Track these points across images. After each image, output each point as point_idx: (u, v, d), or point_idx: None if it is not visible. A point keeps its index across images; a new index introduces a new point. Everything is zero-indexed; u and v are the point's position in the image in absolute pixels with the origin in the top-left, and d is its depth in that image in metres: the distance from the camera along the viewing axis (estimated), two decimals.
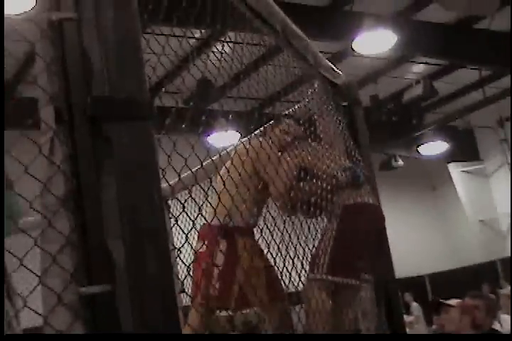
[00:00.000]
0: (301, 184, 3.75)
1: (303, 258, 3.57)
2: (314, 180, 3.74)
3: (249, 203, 3.67)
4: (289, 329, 3.94)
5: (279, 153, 3.87)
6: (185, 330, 3.51)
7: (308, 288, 3.65)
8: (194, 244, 3.66)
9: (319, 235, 3.76)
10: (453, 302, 4.63)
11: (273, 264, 3.60)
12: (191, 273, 3.54)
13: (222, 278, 3.64)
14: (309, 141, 3.94)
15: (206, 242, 3.61)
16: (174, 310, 1.58)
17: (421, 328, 11.28)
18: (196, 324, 3.69)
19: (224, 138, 10.03)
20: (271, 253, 3.33)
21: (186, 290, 3.65)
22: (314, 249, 3.71)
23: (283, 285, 3.64)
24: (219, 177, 3.41)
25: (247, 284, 3.70)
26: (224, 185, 3.16)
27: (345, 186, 3.78)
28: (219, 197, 2.80)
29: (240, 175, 3.35)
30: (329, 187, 3.73)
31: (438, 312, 4.71)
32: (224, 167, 3.48)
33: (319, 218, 3.84)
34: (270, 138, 3.88)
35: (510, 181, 14.39)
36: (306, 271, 3.60)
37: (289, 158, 3.79)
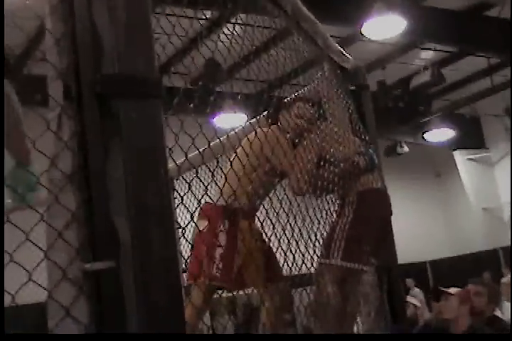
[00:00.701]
0: (320, 171, 3.74)
1: (308, 241, 3.58)
2: (328, 165, 3.74)
3: (256, 186, 3.67)
4: (289, 311, 3.95)
5: (297, 141, 3.85)
6: (187, 309, 3.52)
7: (321, 273, 3.65)
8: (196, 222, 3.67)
9: (332, 219, 3.76)
10: (452, 290, 4.65)
11: (275, 247, 3.61)
12: (191, 250, 3.56)
13: (225, 258, 3.65)
14: (319, 123, 3.93)
15: (209, 221, 3.62)
16: (178, 288, 1.59)
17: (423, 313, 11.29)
18: (199, 303, 3.70)
19: (231, 120, 10.02)
20: (276, 236, 3.34)
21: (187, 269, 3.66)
22: (328, 233, 3.71)
23: (282, 267, 3.66)
24: (229, 159, 3.41)
25: (246, 265, 3.72)
26: (231, 166, 3.17)
27: (363, 171, 3.77)
28: (225, 178, 2.80)
29: (248, 158, 3.35)
30: (344, 172, 3.72)
31: (438, 300, 4.73)
32: (235, 150, 3.48)
33: (328, 202, 3.84)
34: (282, 123, 3.88)
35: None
36: (311, 255, 3.61)
37: (306, 145, 3.77)
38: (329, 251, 3.65)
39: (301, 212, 3.50)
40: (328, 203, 3.85)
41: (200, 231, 3.62)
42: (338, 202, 3.85)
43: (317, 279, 3.66)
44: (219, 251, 3.65)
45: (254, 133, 3.58)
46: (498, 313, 5.49)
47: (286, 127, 3.88)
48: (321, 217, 3.74)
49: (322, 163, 3.75)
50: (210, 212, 3.63)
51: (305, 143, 3.80)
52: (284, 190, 3.69)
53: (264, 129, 3.62)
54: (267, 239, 3.74)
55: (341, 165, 3.73)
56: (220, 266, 3.64)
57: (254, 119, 3.90)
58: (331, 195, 3.83)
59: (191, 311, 3.60)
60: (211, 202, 3.47)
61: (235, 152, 3.41)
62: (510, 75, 12.67)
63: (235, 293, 4.15)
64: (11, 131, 1.88)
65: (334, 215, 3.82)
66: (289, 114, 3.93)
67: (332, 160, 3.76)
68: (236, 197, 3.43)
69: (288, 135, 3.83)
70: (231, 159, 3.34)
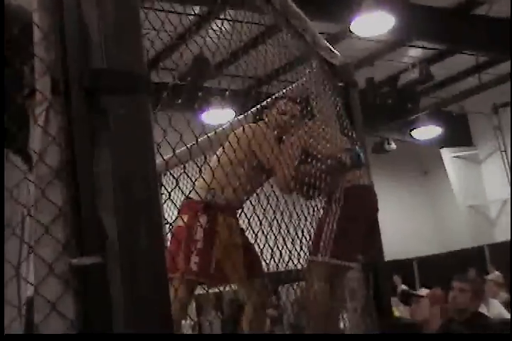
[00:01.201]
0: (303, 166, 3.74)
1: (295, 237, 3.58)
2: (315, 162, 3.74)
3: (243, 182, 3.67)
4: (267, 307, 3.96)
5: (280, 135, 3.86)
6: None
7: (311, 270, 3.65)
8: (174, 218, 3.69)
9: (319, 216, 3.76)
10: (422, 292, 4.69)
11: (261, 243, 3.61)
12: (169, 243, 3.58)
13: (201, 253, 3.65)
14: (306, 120, 3.94)
15: (186, 217, 3.62)
16: (165, 284, 1.59)
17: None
18: (179, 297, 3.69)
19: (218, 116, 10.02)
20: (263, 232, 3.34)
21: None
22: (316, 230, 3.71)
23: (261, 263, 3.66)
24: (214, 155, 3.41)
25: (225, 261, 3.71)
26: (218, 160, 3.17)
27: (348, 168, 3.77)
28: (212, 172, 2.81)
29: (235, 154, 3.36)
30: (329, 169, 3.72)
31: (408, 303, 4.77)
32: (220, 147, 3.48)
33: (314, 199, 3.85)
34: (268, 119, 3.89)
35: (503, 168, 14.43)
36: (297, 251, 3.61)
37: (291, 140, 3.78)
38: (318, 249, 3.65)
39: (287, 209, 3.51)
40: (314, 200, 3.85)
41: (180, 226, 3.63)
42: (324, 198, 3.85)
43: (306, 276, 3.67)
44: (196, 245, 3.65)
45: (241, 128, 3.59)
46: (483, 310, 5.52)
47: (272, 123, 3.89)
48: (308, 213, 3.75)
49: (308, 160, 3.76)
50: (187, 208, 3.63)
51: (290, 139, 3.81)
52: (272, 187, 3.69)
53: (252, 125, 3.63)
54: (249, 235, 3.74)
55: (328, 161, 3.73)
56: (197, 260, 3.64)
57: (242, 116, 3.91)
58: (318, 193, 3.82)
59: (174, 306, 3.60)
60: (193, 197, 3.48)
61: (222, 147, 3.40)
62: (510, 71, 12.67)
63: (221, 289, 4.15)
64: None
65: (321, 212, 3.82)
66: (275, 111, 3.95)
67: (318, 156, 3.76)
68: (222, 191, 3.44)
69: (274, 131, 3.84)
70: (218, 154, 3.34)
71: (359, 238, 3.74)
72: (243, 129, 3.56)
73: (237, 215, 3.82)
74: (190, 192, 2.36)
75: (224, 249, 3.68)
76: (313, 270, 3.64)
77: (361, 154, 3.84)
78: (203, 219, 3.68)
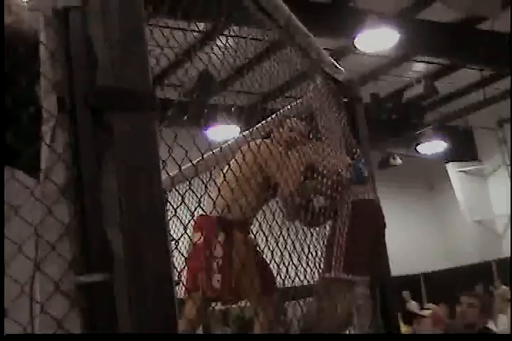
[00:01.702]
0: (307, 182, 3.74)
1: (300, 254, 3.57)
2: (320, 178, 3.74)
3: (250, 199, 3.66)
4: (282, 324, 3.94)
5: (285, 151, 3.86)
6: (181, 323, 3.51)
7: (324, 287, 3.64)
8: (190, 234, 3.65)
9: (328, 232, 3.75)
10: (425, 312, 4.68)
11: (268, 259, 3.60)
12: (186, 263, 3.53)
13: (223, 270, 3.62)
14: (311, 137, 3.94)
15: (202, 233, 3.60)
16: (172, 301, 1.58)
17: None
18: (191, 316, 3.68)
19: (223, 132, 10.03)
20: (269, 248, 3.34)
21: (181, 282, 3.64)
22: (326, 247, 3.70)
23: (276, 280, 3.65)
24: (222, 171, 3.40)
25: (240, 277, 3.69)
26: (224, 177, 3.17)
27: (347, 184, 3.77)
28: (219, 189, 2.80)
29: (242, 170, 3.35)
30: (335, 185, 3.72)
31: (410, 323, 4.75)
32: (228, 163, 3.47)
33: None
34: (275, 136, 3.89)
35: (509, 182, 14.41)
36: (303, 267, 3.60)
37: (296, 156, 3.78)
38: (330, 265, 3.64)
39: (294, 225, 3.50)
40: (318, 226, 3.84)
41: (194, 243, 3.60)
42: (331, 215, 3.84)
43: (321, 293, 3.65)
44: (216, 263, 3.62)
45: (247, 145, 3.59)
46: (491, 325, 5.49)
47: (278, 139, 3.90)
48: (314, 229, 3.74)
49: (314, 175, 3.75)
50: (203, 224, 3.61)
51: (296, 155, 3.81)
52: (277, 203, 3.69)
53: (258, 141, 3.63)
54: (261, 251, 3.73)
55: (333, 177, 3.73)
56: (219, 278, 3.61)
57: (247, 132, 3.91)
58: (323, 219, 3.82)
59: (186, 325, 3.58)
60: (204, 214, 3.46)
61: (228, 164, 3.40)
62: (510, 86, 12.69)
63: (228, 306, 4.14)
64: None
65: (327, 228, 3.82)
66: (281, 128, 3.95)
67: (323, 172, 3.76)
68: (230, 208, 3.42)
69: (280, 147, 3.84)
70: (224, 171, 3.33)
71: (366, 252, 3.74)
72: (248, 146, 3.56)
73: (250, 231, 3.81)
74: (196, 208, 2.36)
75: (241, 265, 3.66)
76: (327, 287, 3.63)
77: (363, 169, 3.83)
78: (221, 237, 3.66)
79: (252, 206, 3.73)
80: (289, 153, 3.86)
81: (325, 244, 3.72)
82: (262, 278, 3.76)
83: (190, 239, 3.59)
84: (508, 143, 15.02)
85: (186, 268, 3.59)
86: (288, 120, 3.97)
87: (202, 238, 3.60)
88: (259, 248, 3.69)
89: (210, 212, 3.37)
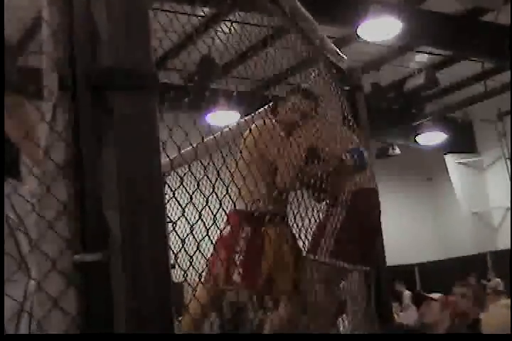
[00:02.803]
0: (309, 167, 3.72)
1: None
2: (321, 163, 3.71)
3: (270, 188, 3.63)
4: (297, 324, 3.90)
5: (288, 134, 3.81)
6: (192, 304, 3.53)
7: (309, 268, 3.63)
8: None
9: (321, 215, 3.73)
10: (434, 295, 4.70)
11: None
12: (211, 252, 3.52)
13: (246, 265, 3.59)
14: (316, 119, 3.89)
15: (231, 227, 3.59)
16: (167, 282, 1.58)
17: (409, 316, 11.33)
18: (203, 301, 3.65)
19: (224, 118, 10.01)
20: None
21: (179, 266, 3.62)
22: (317, 230, 3.68)
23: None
24: (235, 160, 3.34)
25: (275, 273, 3.65)
26: (248, 167, 3.14)
27: (352, 169, 3.74)
28: (244, 181, 2.78)
29: (247, 158, 3.31)
30: (335, 170, 3.70)
31: (419, 304, 4.77)
32: (239, 150, 3.41)
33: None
34: (277, 119, 3.82)
35: (507, 175, 14.42)
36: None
37: (297, 139, 3.73)
38: (317, 248, 3.63)
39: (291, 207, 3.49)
40: (323, 202, 3.83)
41: (220, 236, 3.60)
42: (329, 199, 3.83)
43: (303, 275, 3.65)
44: (240, 257, 3.60)
45: (248, 129, 3.53)
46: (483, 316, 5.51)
47: (281, 119, 3.83)
48: (306, 214, 3.71)
49: (315, 160, 3.73)
50: (232, 218, 3.59)
51: (296, 136, 3.77)
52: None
53: (258, 123, 3.54)
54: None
55: (332, 162, 3.71)
56: (241, 271, 3.58)
57: (250, 116, 3.87)
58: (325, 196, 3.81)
59: (196, 308, 3.59)
60: (237, 208, 3.44)
61: (241, 153, 3.33)
62: (510, 79, 12.67)
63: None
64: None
65: (321, 214, 3.80)
66: (285, 107, 3.88)
67: (324, 157, 3.74)
68: (256, 200, 3.39)
69: (282, 132, 3.79)
70: (237, 161, 3.24)
71: (361, 241, 3.73)
72: (250, 130, 3.50)
73: (287, 223, 3.76)
74: (194, 192, 2.35)
75: (274, 260, 3.63)
76: (312, 269, 3.63)
77: (365, 156, 3.79)
78: (246, 231, 3.63)
79: (278, 196, 3.68)
80: (289, 137, 3.81)
81: (317, 225, 3.68)
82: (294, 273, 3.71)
83: (224, 231, 3.61)
84: (508, 136, 15.01)
85: (211, 258, 3.58)
86: (292, 99, 3.89)
87: (228, 231, 3.60)
88: (296, 240, 3.67)
89: (246, 206, 3.34)
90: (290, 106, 3.86)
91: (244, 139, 3.41)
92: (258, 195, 3.40)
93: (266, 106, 3.94)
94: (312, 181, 3.67)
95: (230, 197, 3.10)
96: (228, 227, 3.61)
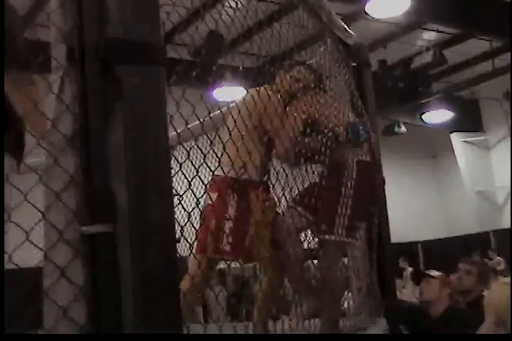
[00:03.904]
0: (307, 139, 3.68)
1: None
2: (320, 135, 3.68)
3: (262, 156, 3.62)
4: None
5: (288, 102, 3.77)
6: (185, 279, 3.50)
7: (327, 248, 3.61)
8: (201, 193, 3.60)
9: (331, 190, 3.67)
10: (434, 273, 4.71)
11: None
12: (200, 222, 3.48)
13: (235, 232, 3.58)
14: (318, 91, 3.85)
15: (219, 194, 3.56)
16: (173, 254, 1.59)
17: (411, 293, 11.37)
18: (196, 274, 3.64)
19: (230, 94, 10.00)
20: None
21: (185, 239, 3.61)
22: (328, 207, 3.62)
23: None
24: (230, 128, 3.31)
25: (256, 238, 3.64)
26: (241, 135, 3.10)
27: (343, 143, 3.70)
28: (237, 149, 2.76)
29: (245, 125, 3.28)
30: (333, 143, 3.66)
31: (419, 282, 4.78)
32: (233, 117, 3.36)
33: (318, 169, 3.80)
34: (278, 85, 3.76)
35: (510, 154, 14.40)
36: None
37: (296, 111, 3.69)
38: (333, 227, 3.58)
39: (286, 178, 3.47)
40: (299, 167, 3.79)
41: (208, 204, 3.57)
42: (320, 170, 3.79)
43: (322, 255, 3.62)
44: (228, 224, 3.58)
45: (248, 95, 3.48)
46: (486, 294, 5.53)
47: (279, 87, 3.78)
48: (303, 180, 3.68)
49: (309, 131, 3.69)
50: (220, 184, 3.55)
51: (295, 106, 3.73)
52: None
53: (260, 91, 3.49)
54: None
55: (332, 134, 3.67)
56: (230, 240, 3.57)
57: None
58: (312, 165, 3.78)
59: (189, 282, 3.58)
60: (222, 173, 3.40)
61: (234, 120, 3.29)
62: (510, 60, 12.63)
63: (225, 265, 4.12)
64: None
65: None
66: (287, 76, 3.83)
67: (320, 127, 3.70)
68: (245, 168, 3.35)
69: (281, 97, 3.72)
70: (229, 126, 3.22)
71: (365, 215, 3.73)
72: (251, 95, 3.45)
73: (269, 189, 3.74)
74: (200, 165, 2.35)
75: (256, 226, 3.61)
76: (331, 249, 3.60)
77: (361, 132, 3.74)
78: (233, 198, 3.60)
79: (266, 163, 3.68)
80: (288, 106, 3.77)
81: (325, 202, 3.64)
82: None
83: (210, 198, 3.55)
84: None
85: (201, 227, 3.55)
86: (297, 68, 3.85)
87: (216, 199, 3.56)
88: (279, 206, 3.65)
89: (230, 173, 3.30)
90: (291, 76, 3.82)
91: (239, 108, 3.36)
92: (248, 163, 3.37)
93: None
94: (309, 153, 3.64)
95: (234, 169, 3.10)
96: (215, 195, 3.56)
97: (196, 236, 3.11)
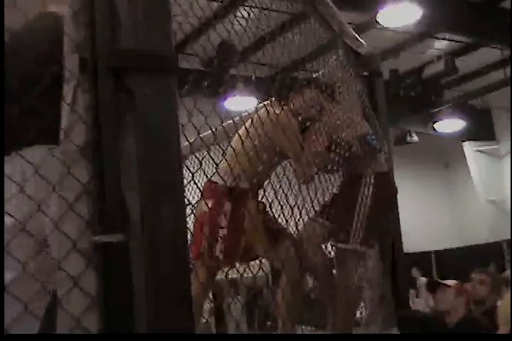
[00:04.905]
0: (331, 155, 3.71)
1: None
2: (339, 148, 3.70)
3: (265, 166, 3.64)
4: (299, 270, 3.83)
5: (306, 126, 3.80)
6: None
7: (344, 258, 3.62)
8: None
9: (349, 201, 3.69)
10: (449, 282, 4.69)
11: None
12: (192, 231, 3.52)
13: (227, 240, 3.61)
14: (331, 107, 3.87)
15: (210, 202, 3.58)
16: (185, 263, 1.60)
17: (425, 303, 11.32)
18: (197, 284, 3.67)
19: (242, 104, 10.00)
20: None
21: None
22: (345, 216, 3.64)
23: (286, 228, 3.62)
24: (235, 138, 3.34)
25: (250, 241, 3.66)
26: (243, 145, 3.13)
27: (372, 153, 3.73)
28: (236, 157, 2.78)
29: (259, 139, 3.32)
30: (350, 154, 3.69)
31: (434, 291, 4.77)
32: (242, 129, 3.39)
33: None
34: (294, 106, 3.80)
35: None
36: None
37: (316, 133, 3.72)
38: (349, 236, 3.61)
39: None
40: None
41: (205, 211, 3.58)
42: (345, 181, 3.82)
43: (338, 264, 3.64)
44: (222, 232, 3.62)
45: (266, 113, 3.51)
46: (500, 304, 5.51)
47: (297, 110, 3.82)
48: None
49: (333, 147, 3.72)
50: (214, 192, 3.58)
51: (316, 127, 3.76)
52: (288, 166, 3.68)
53: (276, 110, 3.54)
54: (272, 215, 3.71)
55: (350, 147, 3.70)
56: (223, 247, 3.61)
57: (267, 101, 3.86)
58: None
59: (195, 289, 3.59)
60: (212, 180, 3.44)
61: (246, 129, 3.31)
62: (511, 73, 12.60)
63: (238, 276, 4.11)
64: None
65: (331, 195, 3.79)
66: (301, 98, 3.86)
67: (341, 143, 3.73)
68: (242, 176, 3.39)
69: (299, 118, 3.78)
70: (239, 137, 3.25)
71: (379, 225, 3.73)
72: (267, 114, 3.49)
73: (259, 196, 3.76)
74: (213, 174, 2.37)
75: (250, 231, 3.63)
76: (348, 258, 3.61)
77: (374, 140, 3.77)
78: (227, 206, 3.64)
79: (267, 173, 3.70)
80: (308, 126, 3.80)
81: (342, 211, 3.66)
82: (268, 231, 3.71)
83: (207, 205, 3.57)
84: None
85: (192, 235, 3.60)
86: (308, 90, 3.88)
87: (211, 206, 3.58)
88: (270, 211, 3.66)
89: (227, 181, 3.35)
90: (307, 100, 3.84)
91: (252, 121, 3.38)
92: (247, 172, 3.41)
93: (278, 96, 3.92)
94: (329, 166, 3.67)
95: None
96: (208, 202, 3.58)
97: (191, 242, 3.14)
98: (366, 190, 3.65)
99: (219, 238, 3.61)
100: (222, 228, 3.62)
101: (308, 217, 3.68)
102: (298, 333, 3.64)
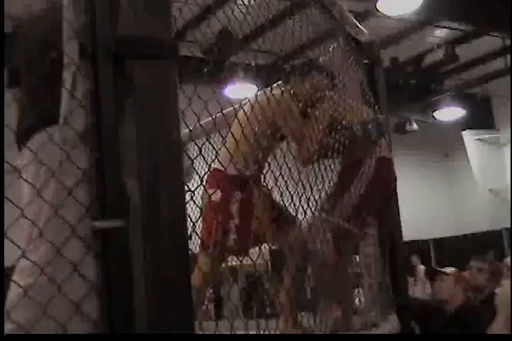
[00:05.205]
0: (331, 140, 3.71)
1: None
2: (339, 133, 3.70)
3: (266, 152, 3.63)
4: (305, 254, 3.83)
5: (307, 110, 3.79)
6: (195, 274, 3.51)
7: (314, 226, 3.62)
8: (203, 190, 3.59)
9: (344, 182, 3.70)
10: (448, 270, 4.70)
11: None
12: (201, 220, 3.49)
13: (240, 229, 3.58)
14: (332, 92, 3.87)
15: (222, 191, 3.56)
16: (185, 249, 1.60)
17: (423, 290, 11.34)
18: (204, 271, 3.65)
19: (241, 91, 9.98)
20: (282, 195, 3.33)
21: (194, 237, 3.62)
22: (335, 192, 3.67)
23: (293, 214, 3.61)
24: (236, 124, 3.32)
25: (259, 228, 3.64)
26: (242, 132, 3.12)
27: (373, 139, 3.74)
28: (236, 144, 2.76)
29: (259, 125, 3.31)
30: (350, 139, 3.69)
31: (433, 279, 4.78)
32: (241, 114, 3.37)
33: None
34: (295, 90, 3.77)
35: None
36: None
37: (317, 117, 3.71)
38: (333, 210, 3.62)
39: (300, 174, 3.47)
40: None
41: (209, 201, 3.56)
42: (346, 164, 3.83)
43: (313, 233, 3.64)
44: (234, 222, 3.59)
45: (266, 98, 3.49)
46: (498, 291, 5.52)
47: (298, 94, 3.80)
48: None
49: (332, 132, 3.72)
50: (221, 182, 3.55)
51: (316, 113, 3.75)
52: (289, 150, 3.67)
53: (277, 95, 3.50)
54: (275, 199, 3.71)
55: (346, 132, 3.70)
56: (235, 237, 3.58)
57: (268, 88, 3.84)
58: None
59: (199, 279, 3.59)
60: (218, 168, 3.41)
61: (246, 115, 3.30)
62: (510, 59, 12.57)
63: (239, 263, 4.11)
64: None
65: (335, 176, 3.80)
66: (303, 82, 3.83)
67: (342, 128, 3.73)
68: (247, 164, 3.38)
69: (300, 104, 3.76)
70: (240, 124, 3.23)
71: (376, 210, 3.74)
72: (268, 99, 3.46)
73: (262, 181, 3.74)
74: (213, 161, 2.37)
75: (258, 219, 3.62)
76: (324, 228, 3.62)
77: (375, 126, 3.76)
78: (238, 195, 3.62)
79: (266, 159, 3.69)
80: (309, 111, 3.80)
81: (336, 188, 3.68)
82: (276, 217, 3.70)
83: (209, 195, 3.54)
84: None
85: (201, 225, 3.57)
86: (311, 76, 3.85)
87: (218, 196, 3.56)
88: (271, 192, 3.67)
89: (232, 169, 3.32)
90: (311, 83, 3.82)
91: (252, 106, 3.36)
92: (250, 159, 3.40)
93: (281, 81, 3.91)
94: (330, 153, 3.67)
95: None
96: (216, 191, 3.56)
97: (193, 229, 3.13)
98: (366, 171, 3.66)
99: (232, 228, 3.59)
100: (234, 218, 3.60)
101: (312, 213, 3.66)
102: (298, 330, 3.63)
